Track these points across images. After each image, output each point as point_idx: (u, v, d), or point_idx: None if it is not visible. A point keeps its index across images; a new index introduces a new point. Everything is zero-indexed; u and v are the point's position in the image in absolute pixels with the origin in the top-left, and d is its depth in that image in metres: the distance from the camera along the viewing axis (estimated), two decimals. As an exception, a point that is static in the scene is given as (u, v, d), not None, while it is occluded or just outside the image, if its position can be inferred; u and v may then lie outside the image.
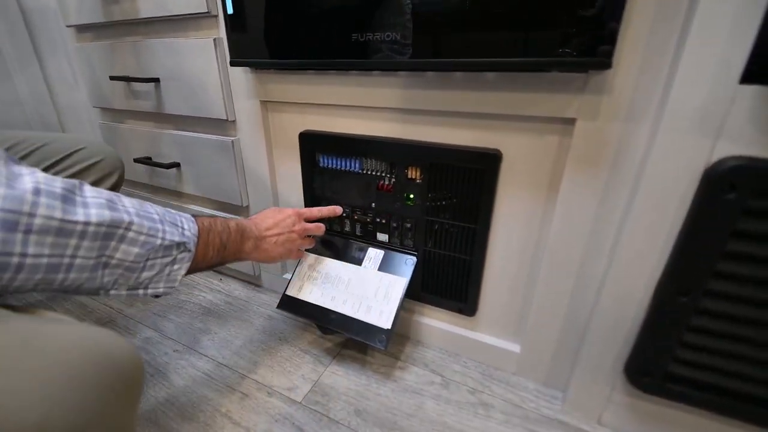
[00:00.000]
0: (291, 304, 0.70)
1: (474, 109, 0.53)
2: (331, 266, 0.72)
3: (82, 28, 0.89)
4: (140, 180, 0.96)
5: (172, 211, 0.45)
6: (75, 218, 0.33)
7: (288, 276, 0.86)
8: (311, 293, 0.70)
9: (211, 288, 0.92)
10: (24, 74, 0.94)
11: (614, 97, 0.44)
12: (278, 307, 0.71)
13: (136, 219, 0.38)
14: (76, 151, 0.64)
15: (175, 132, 0.84)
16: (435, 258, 0.66)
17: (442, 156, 0.58)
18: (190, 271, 0.45)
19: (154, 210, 0.42)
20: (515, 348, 0.65)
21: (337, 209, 0.69)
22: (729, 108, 0.38)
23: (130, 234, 0.37)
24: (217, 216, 0.52)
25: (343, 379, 0.66)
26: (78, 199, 0.34)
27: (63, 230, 0.32)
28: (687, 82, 0.39)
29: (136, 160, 0.89)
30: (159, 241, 0.40)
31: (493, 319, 0.66)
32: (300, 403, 0.62)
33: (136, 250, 0.38)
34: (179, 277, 0.44)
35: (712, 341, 0.46)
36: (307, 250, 0.74)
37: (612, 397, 0.56)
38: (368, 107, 0.62)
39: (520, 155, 0.54)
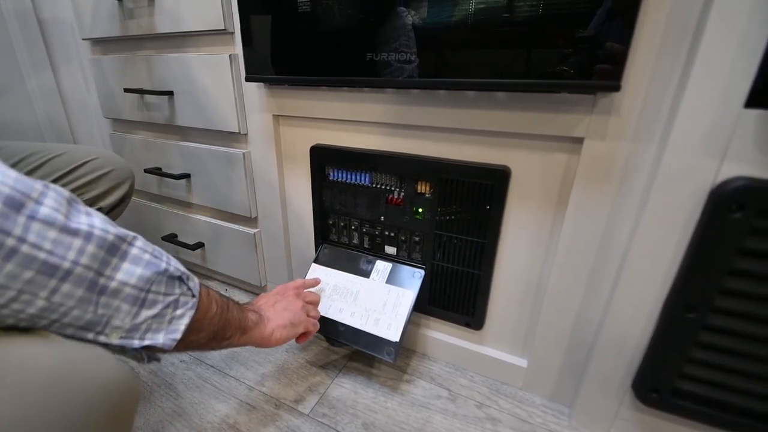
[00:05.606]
0: (299, 316, 0.71)
1: (484, 127, 0.55)
2: (340, 278, 0.72)
3: (97, 41, 0.91)
4: (149, 190, 0.97)
5: None
6: (79, 219, 0.31)
7: (294, 287, 0.87)
8: (319, 305, 0.70)
9: (216, 298, 0.92)
10: (38, 82, 0.96)
11: (622, 118, 0.46)
12: (286, 318, 0.71)
13: (140, 237, 0.35)
14: (87, 162, 0.64)
15: (186, 143, 0.85)
16: (443, 271, 0.66)
17: (452, 171, 0.59)
18: (192, 330, 0.38)
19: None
20: (522, 363, 0.66)
21: (316, 280, 0.72)
22: (734, 131, 0.39)
23: (134, 250, 0.34)
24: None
25: (350, 392, 0.66)
26: (81, 207, 0.32)
27: (68, 228, 0.29)
28: (693, 105, 0.40)
29: (146, 170, 0.91)
30: (164, 265, 0.36)
31: (501, 333, 0.67)
32: (307, 415, 0.61)
33: (139, 270, 0.33)
34: (182, 328, 0.37)
35: (719, 357, 0.46)
36: (315, 262, 0.75)
37: (620, 413, 0.56)
38: (379, 123, 0.63)
39: (529, 172, 0.55)
